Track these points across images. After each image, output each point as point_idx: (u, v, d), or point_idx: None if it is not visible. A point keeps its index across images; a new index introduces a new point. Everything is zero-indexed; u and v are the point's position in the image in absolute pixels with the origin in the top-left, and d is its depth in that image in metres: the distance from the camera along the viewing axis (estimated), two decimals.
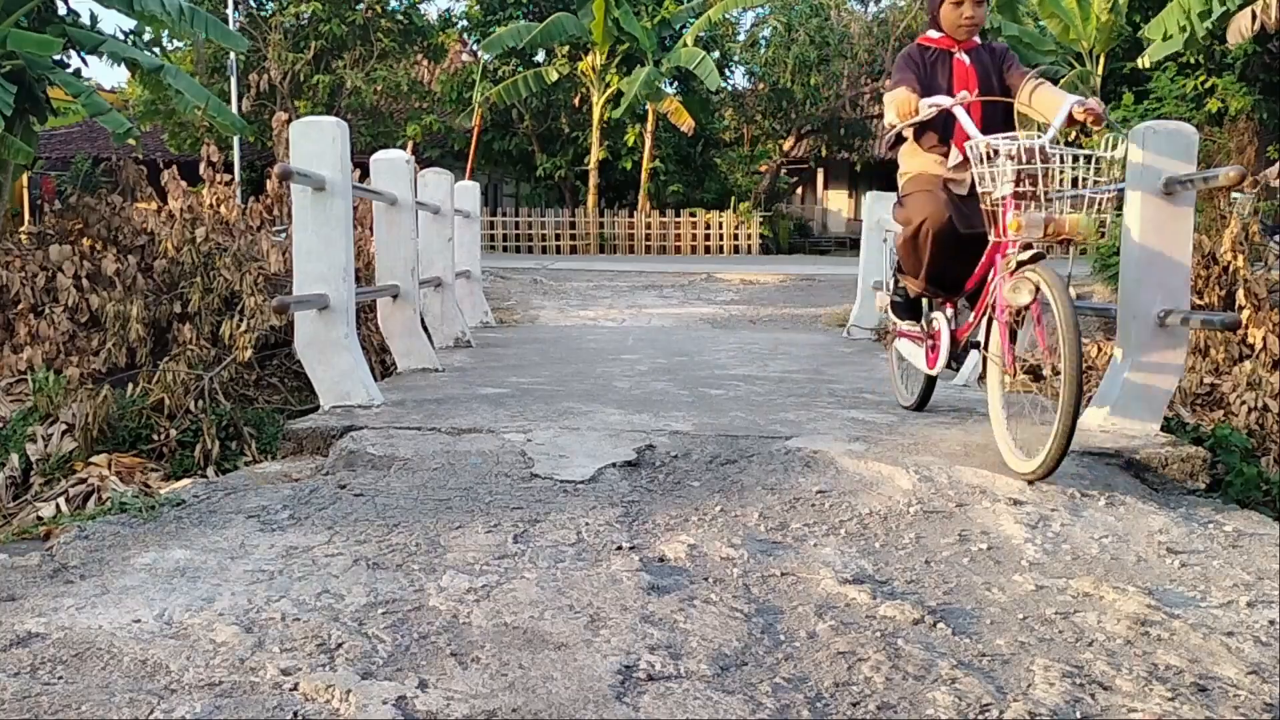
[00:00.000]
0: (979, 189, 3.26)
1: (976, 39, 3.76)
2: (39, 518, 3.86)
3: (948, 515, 2.86)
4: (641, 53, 20.44)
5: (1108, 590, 2.29)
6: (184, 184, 7.40)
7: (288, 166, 3.99)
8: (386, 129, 22.08)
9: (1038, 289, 3.04)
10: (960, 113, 3.40)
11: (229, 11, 18.78)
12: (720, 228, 22.02)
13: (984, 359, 3.51)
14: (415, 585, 2.23)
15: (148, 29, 9.82)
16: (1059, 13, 17.83)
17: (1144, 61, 14.13)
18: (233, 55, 18.15)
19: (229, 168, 11.84)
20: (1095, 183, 3.08)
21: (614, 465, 3.23)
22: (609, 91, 20.96)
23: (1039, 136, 3.16)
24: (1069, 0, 17.60)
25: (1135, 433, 3.75)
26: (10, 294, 6.58)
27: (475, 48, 24.07)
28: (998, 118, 3.57)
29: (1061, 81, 17.83)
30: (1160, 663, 1.92)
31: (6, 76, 7.50)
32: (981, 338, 3.50)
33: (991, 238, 3.29)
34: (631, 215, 22.04)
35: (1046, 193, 3.08)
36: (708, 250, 21.78)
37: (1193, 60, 14.26)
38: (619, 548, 2.51)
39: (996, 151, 3.15)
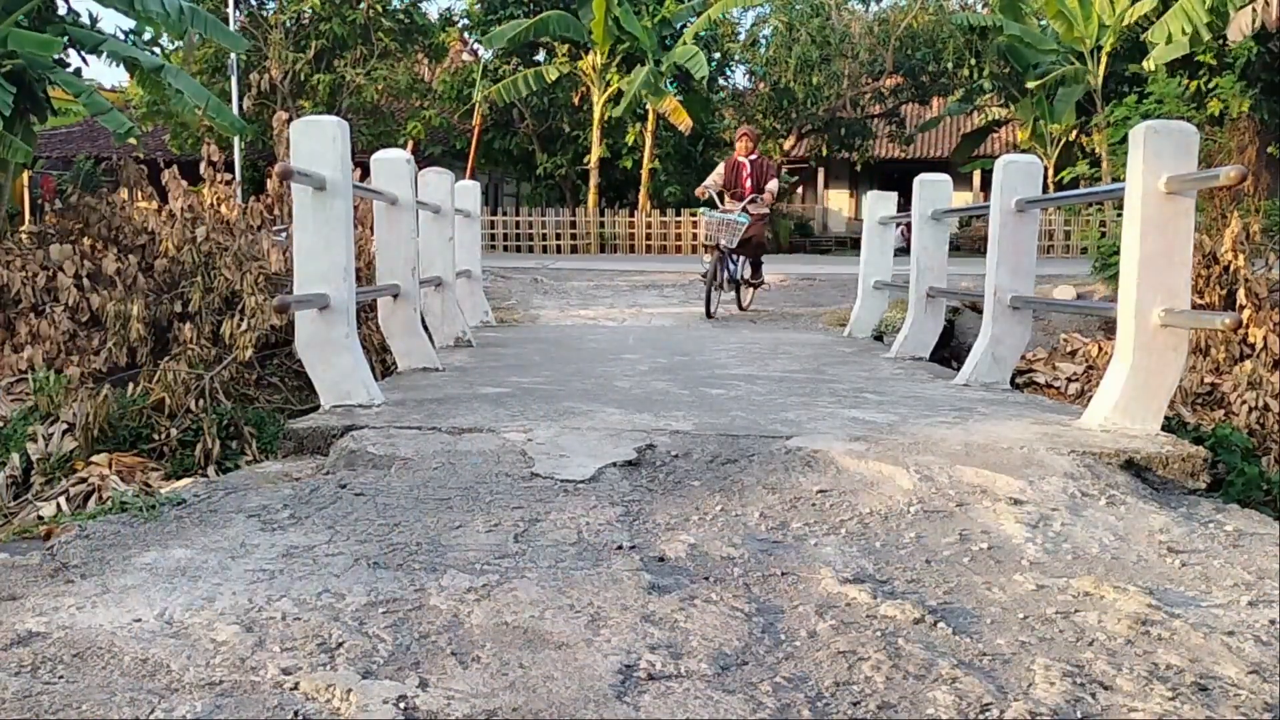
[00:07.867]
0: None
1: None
2: (39, 517, 3.86)
3: (948, 515, 2.86)
4: (642, 52, 20.42)
5: (1108, 590, 2.29)
6: (184, 183, 7.40)
7: (288, 166, 3.98)
8: (387, 128, 22.06)
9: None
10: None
11: (230, 11, 18.76)
12: None
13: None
14: (416, 584, 2.23)
15: (148, 29, 9.83)
16: (1064, 11, 17.83)
17: (1149, 64, 14.14)
18: (233, 55, 18.13)
19: (230, 167, 11.82)
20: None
21: (614, 465, 3.23)
22: (610, 90, 20.94)
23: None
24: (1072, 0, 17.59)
25: (1135, 432, 3.75)
26: (11, 293, 6.59)
27: (476, 46, 24.07)
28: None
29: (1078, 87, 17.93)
30: (1161, 662, 1.92)
31: (6, 76, 7.50)
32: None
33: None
34: (632, 215, 21.99)
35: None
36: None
37: (1197, 58, 14.26)
38: (619, 547, 2.51)
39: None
